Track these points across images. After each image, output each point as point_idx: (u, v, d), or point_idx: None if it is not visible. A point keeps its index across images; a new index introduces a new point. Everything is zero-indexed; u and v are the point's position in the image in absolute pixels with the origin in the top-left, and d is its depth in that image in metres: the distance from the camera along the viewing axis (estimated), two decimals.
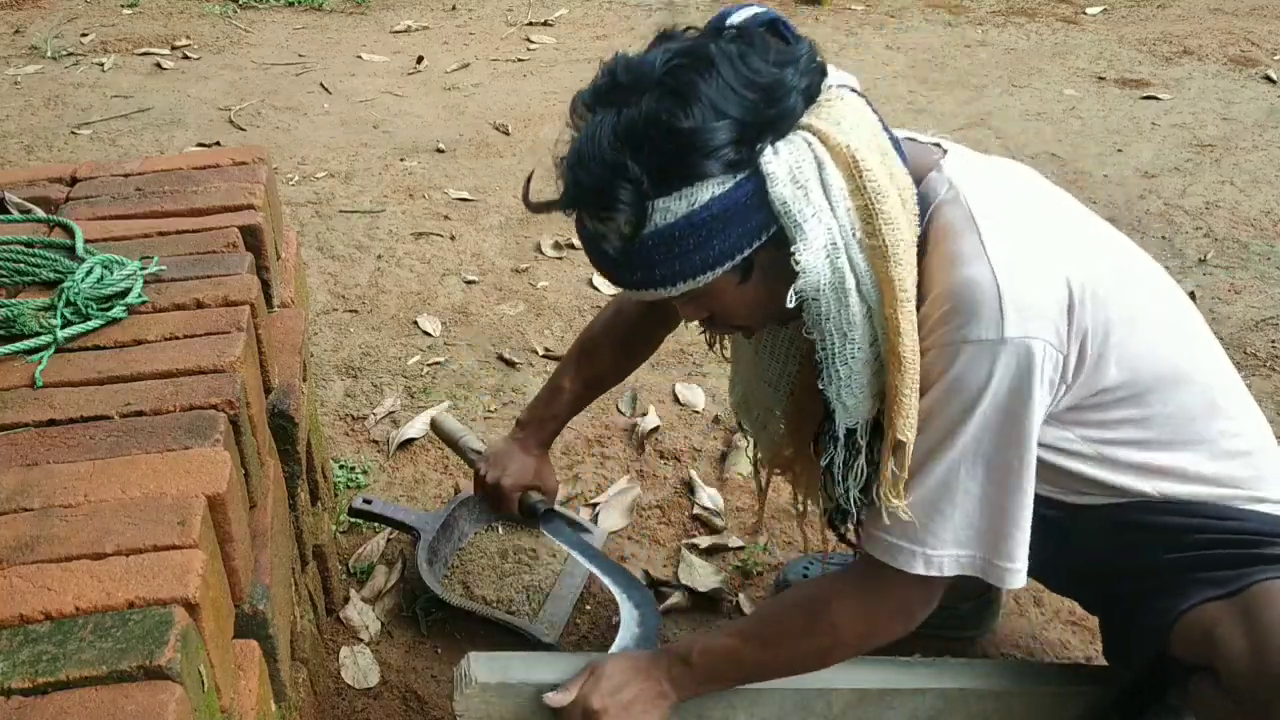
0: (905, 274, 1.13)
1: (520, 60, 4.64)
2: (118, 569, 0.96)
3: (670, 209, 1.09)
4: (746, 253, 1.13)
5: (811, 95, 1.13)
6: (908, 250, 1.14)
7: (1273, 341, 2.55)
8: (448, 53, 4.73)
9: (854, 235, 1.12)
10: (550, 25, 5.07)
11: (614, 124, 1.09)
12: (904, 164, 1.18)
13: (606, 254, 1.15)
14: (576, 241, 2.99)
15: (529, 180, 1.26)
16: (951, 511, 1.21)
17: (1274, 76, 4.20)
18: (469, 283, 2.88)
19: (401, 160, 3.65)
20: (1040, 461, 1.24)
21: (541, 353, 2.56)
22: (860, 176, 1.11)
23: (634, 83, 1.09)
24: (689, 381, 2.44)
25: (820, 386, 1.20)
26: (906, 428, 1.17)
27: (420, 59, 4.60)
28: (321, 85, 4.33)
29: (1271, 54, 4.46)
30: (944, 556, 1.23)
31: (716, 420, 2.32)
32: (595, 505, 2.09)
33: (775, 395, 1.44)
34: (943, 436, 1.18)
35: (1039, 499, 1.33)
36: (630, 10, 5.28)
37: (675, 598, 1.86)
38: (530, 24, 5.09)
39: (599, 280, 2.86)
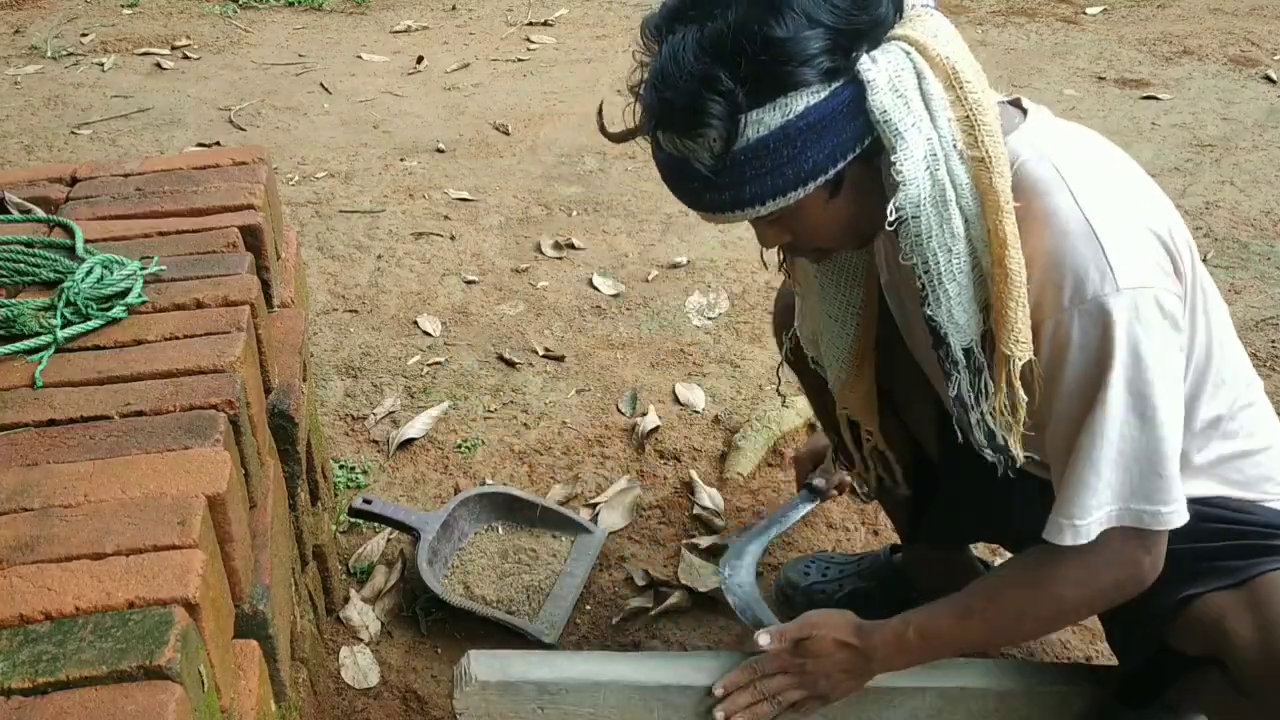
0: (1006, 186, 1.10)
1: (520, 60, 4.64)
2: (118, 569, 0.96)
3: (764, 121, 1.05)
4: (840, 166, 1.09)
5: (899, 6, 1.10)
6: (1007, 164, 1.11)
7: (1273, 341, 2.55)
8: (448, 53, 4.73)
9: (954, 146, 1.09)
10: (550, 25, 5.07)
11: (698, 38, 1.05)
12: None
13: (693, 176, 1.10)
14: (577, 241, 3.03)
15: (600, 109, 1.21)
16: (1133, 466, 1.17)
17: (1274, 76, 4.20)
18: (469, 283, 2.88)
19: (401, 160, 3.65)
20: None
21: (541, 353, 2.56)
22: (961, 88, 1.09)
23: None
24: (689, 381, 2.44)
25: (929, 312, 1.16)
26: (1013, 342, 1.14)
27: (420, 59, 4.60)
28: (321, 85, 4.33)
29: (1271, 54, 4.46)
30: (1125, 510, 1.19)
31: (716, 420, 2.32)
32: (595, 505, 2.09)
33: (840, 328, 1.42)
34: (1091, 404, 1.15)
35: (1042, 485, 1.33)
36: (630, 10, 5.28)
37: (675, 598, 1.86)
38: (530, 24, 5.09)
39: (599, 280, 2.86)
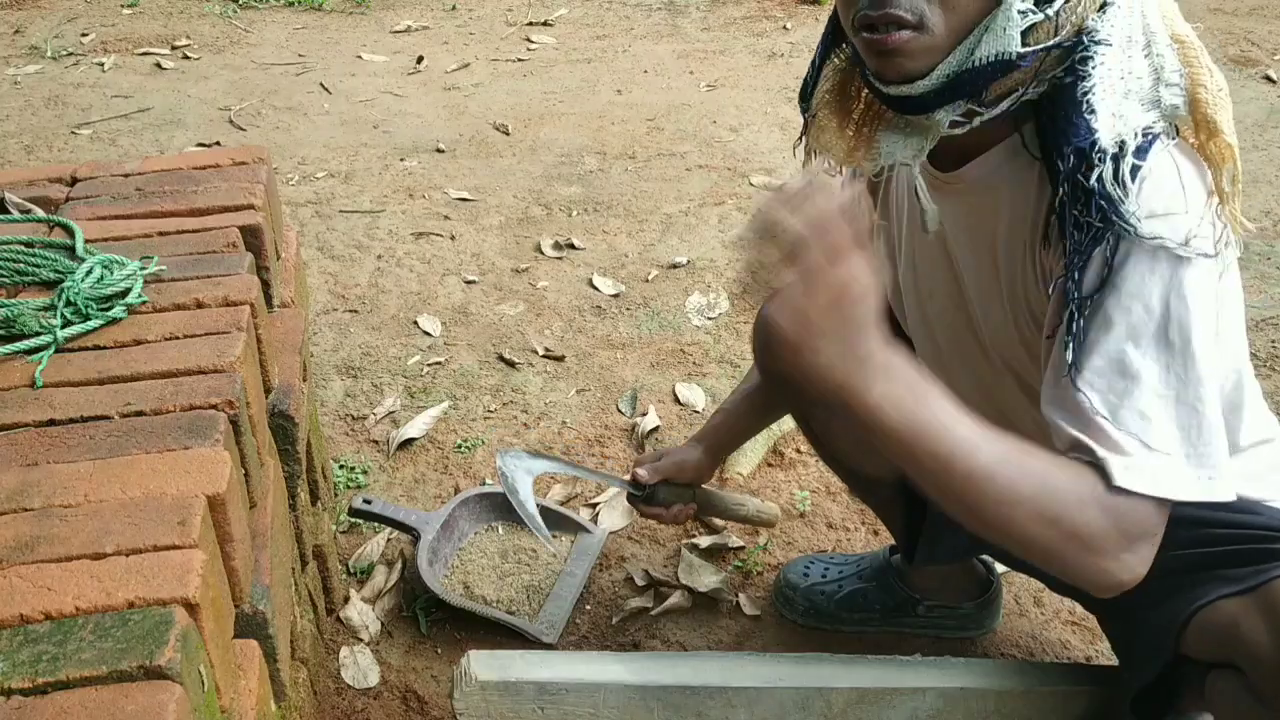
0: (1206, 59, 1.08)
1: (520, 60, 4.64)
2: (118, 569, 0.96)
3: None
4: None
5: None
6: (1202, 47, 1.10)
7: (1273, 341, 2.55)
8: (448, 53, 4.73)
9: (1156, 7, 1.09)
10: (550, 25, 5.07)
11: None
12: None
13: None
14: (577, 241, 3.04)
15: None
16: (1211, 420, 1.07)
17: (1274, 76, 4.20)
18: (469, 283, 2.88)
19: (401, 160, 3.65)
20: None
21: (541, 353, 2.56)
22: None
23: None
24: (689, 381, 2.45)
25: (1079, 128, 1.05)
26: (1228, 145, 1.07)
27: (420, 59, 4.60)
28: (321, 85, 4.33)
29: (1271, 54, 4.45)
30: (1222, 478, 1.07)
31: None
32: (595, 505, 2.09)
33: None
34: (1143, 321, 1.06)
35: None
36: (630, 10, 5.28)
37: (675, 598, 1.86)
38: (530, 24, 5.09)
39: (599, 280, 2.86)
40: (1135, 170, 1.04)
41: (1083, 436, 1.07)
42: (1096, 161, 1.05)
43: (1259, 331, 2.58)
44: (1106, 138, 1.05)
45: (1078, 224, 1.07)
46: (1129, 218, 1.04)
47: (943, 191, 1.23)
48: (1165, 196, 1.05)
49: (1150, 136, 1.06)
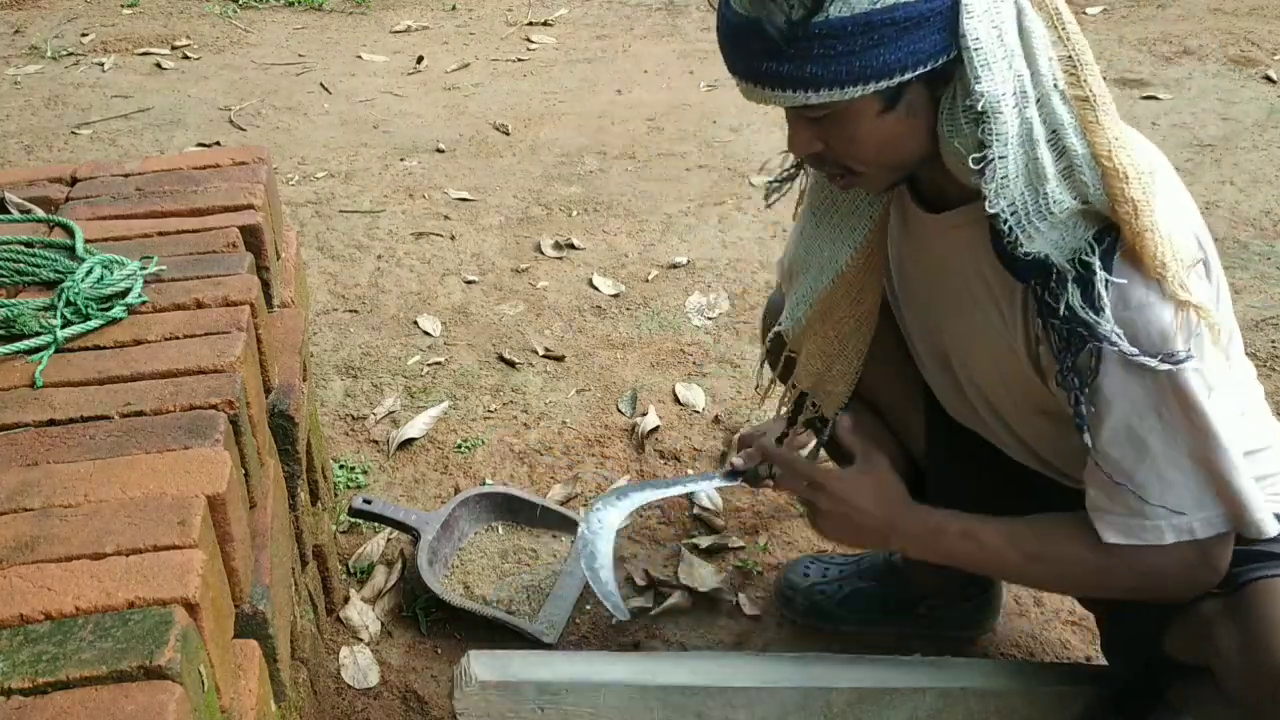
0: (1113, 122, 1.07)
1: (520, 60, 4.64)
2: (118, 569, 0.96)
3: (851, 1, 1.01)
4: (908, 76, 1.05)
5: None
6: (1111, 102, 1.07)
7: (1273, 341, 2.55)
8: (448, 53, 4.73)
9: (1055, 85, 1.06)
10: (550, 25, 5.07)
11: None
12: None
13: (759, 40, 1.04)
14: (577, 241, 3.03)
15: None
16: (1178, 476, 1.16)
17: (1274, 76, 4.19)
18: (469, 283, 2.88)
19: (401, 160, 3.65)
20: (1062, 433, 1.23)
21: (541, 353, 2.56)
22: (1063, 28, 1.06)
23: None
24: (689, 381, 2.45)
25: (1024, 249, 1.10)
26: (1159, 267, 1.09)
27: (420, 59, 4.60)
28: (321, 85, 4.33)
29: (1271, 54, 4.45)
30: (1193, 521, 1.17)
31: (716, 420, 2.32)
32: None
33: (831, 258, 1.36)
34: (1138, 405, 1.13)
35: (1021, 489, 1.33)
36: (630, 10, 5.28)
37: (675, 598, 1.86)
38: (530, 24, 5.09)
39: (599, 280, 2.86)
40: (1108, 284, 1.09)
41: (1106, 502, 1.21)
42: (1056, 286, 1.11)
43: (1259, 331, 2.58)
44: (1058, 258, 1.11)
45: (1056, 330, 1.14)
46: (1110, 336, 1.09)
47: (929, 230, 1.29)
48: (1136, 301, 1.10)
49: (1106, 240, 1.10)
